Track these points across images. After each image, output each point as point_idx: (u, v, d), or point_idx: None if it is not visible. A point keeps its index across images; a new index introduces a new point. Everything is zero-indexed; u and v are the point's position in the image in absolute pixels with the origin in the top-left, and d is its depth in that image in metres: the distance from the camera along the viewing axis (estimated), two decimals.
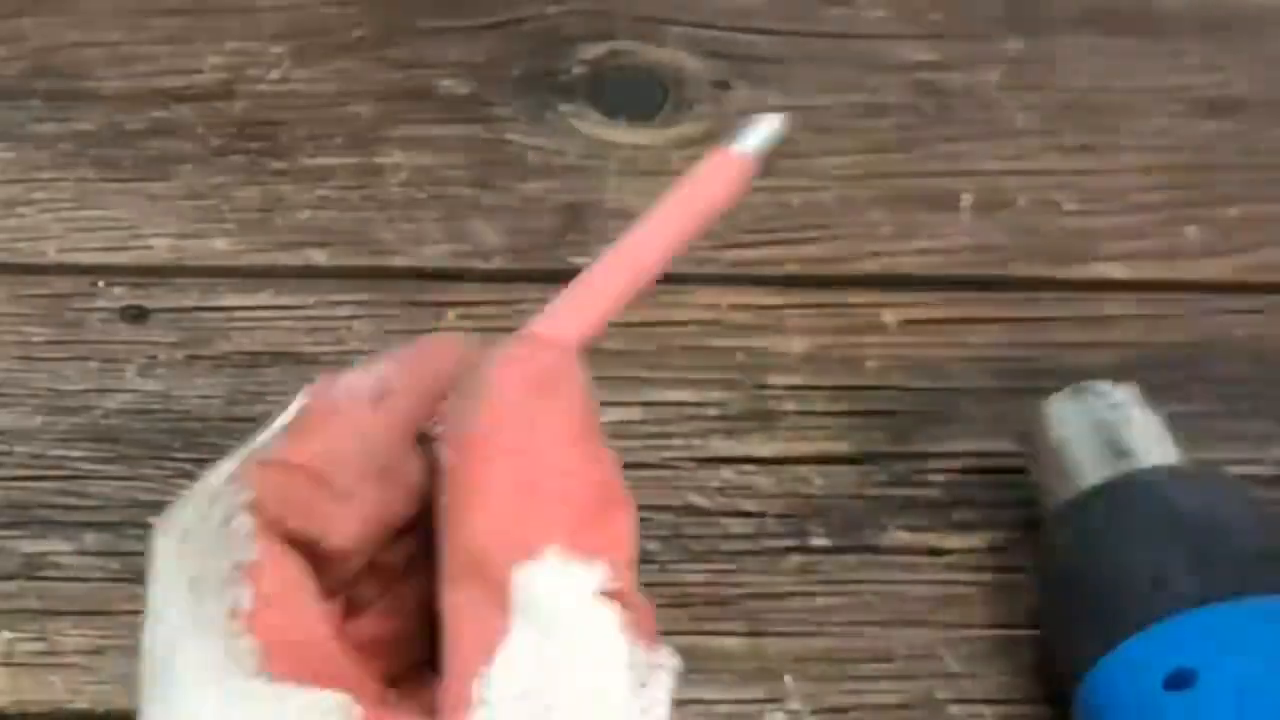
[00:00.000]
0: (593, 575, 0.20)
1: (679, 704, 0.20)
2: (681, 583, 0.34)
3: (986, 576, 0.36)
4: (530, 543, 0.20)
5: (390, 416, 0.22)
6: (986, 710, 0.33)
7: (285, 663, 0.21)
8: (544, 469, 0.21)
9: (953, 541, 0.36)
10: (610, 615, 0.20)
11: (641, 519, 0.21)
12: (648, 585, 0.21)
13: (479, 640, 0.20)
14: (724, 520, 0.35)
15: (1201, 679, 0.30)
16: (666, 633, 0.21)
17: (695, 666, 0.31)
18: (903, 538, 0.35)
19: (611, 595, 0.20)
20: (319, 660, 0.22)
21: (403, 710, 0.21)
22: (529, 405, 0.21)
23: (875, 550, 0.35)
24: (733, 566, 0.34)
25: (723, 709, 0.33)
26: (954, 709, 0.34)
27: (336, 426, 0.22)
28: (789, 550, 0.35)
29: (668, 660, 0.20)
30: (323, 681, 0.21)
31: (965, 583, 0.35)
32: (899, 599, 0.35)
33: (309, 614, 0.21)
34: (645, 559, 0.24)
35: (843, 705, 0.34)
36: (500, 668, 0.20)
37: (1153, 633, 0.31)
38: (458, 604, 0.20)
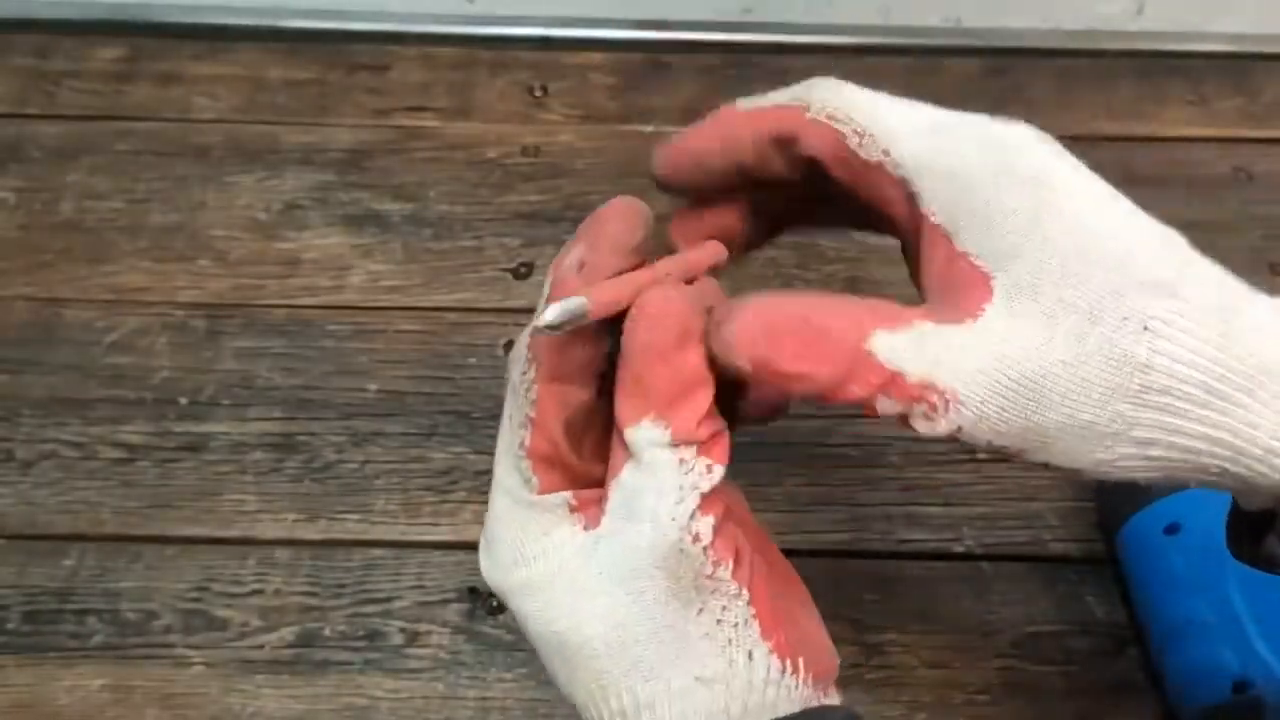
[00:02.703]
0: (664, 432, 0.23)
1: None
2: None
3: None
4: (631, 416, 0.24)
5: (588, 278, 0.25)
6: (1073, 545, 0.43)
7: (544, 475, 0.25)
8: (647, 371, 0.24)
9: None
10: (670, 454, 0.23)
11: None
12: None
13: (615, 466, 0.24)
14: None
15: (1184, 528, 0.39)
16: None
17: None
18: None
19: (674, 444, 0.23)
20: (565, 469, 0.25)
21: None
22: (641, 336, 0.24)
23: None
24: None
25: None
26: (1056, 533, 0.43)
27: (564, 293, 0.24)
28: None
29: (704, 465, 0.23)
30: (565, 484, 0.24)
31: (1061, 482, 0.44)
32: (1021, 484, 0.44)
33: (561, 442, 0.24)
34: None
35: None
36: (621, 477, 0.24)
37: (1157, 504, 0.40)
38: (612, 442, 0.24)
